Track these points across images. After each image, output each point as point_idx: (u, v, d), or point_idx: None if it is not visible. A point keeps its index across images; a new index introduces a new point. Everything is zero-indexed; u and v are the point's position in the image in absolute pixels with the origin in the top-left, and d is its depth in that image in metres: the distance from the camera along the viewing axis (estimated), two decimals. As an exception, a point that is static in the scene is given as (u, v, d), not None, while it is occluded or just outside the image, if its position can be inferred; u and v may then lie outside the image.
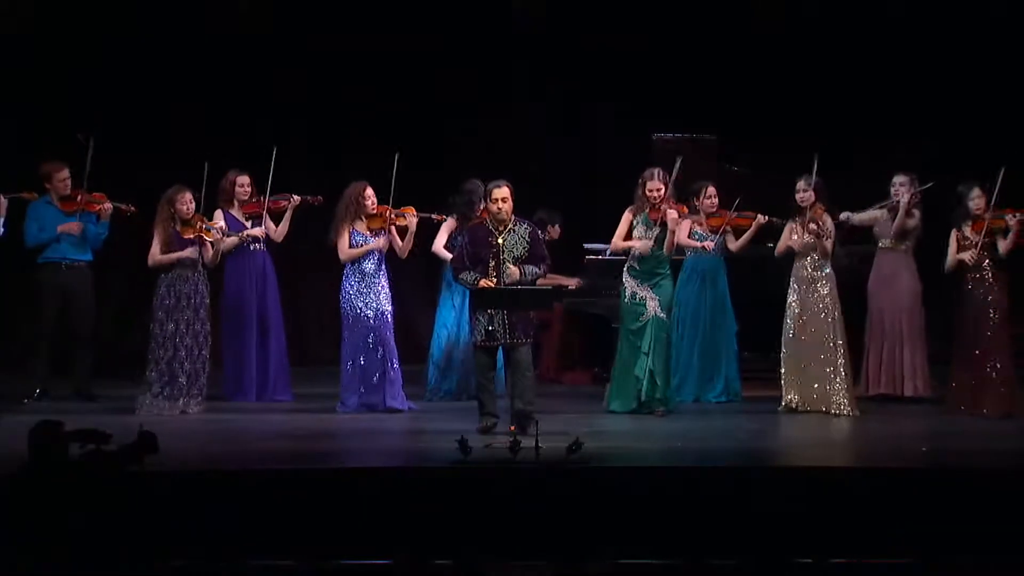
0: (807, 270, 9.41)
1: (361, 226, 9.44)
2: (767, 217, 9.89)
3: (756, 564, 6.67)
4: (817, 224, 9.28)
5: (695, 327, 9.97)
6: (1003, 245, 9.18)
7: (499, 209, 8.49)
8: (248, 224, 9.98)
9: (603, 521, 6.80)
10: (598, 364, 10.61)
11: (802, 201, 9.41)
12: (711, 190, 10.05)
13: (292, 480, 7.11)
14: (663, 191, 9.16)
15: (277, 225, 10.05)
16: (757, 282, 10.29)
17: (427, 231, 10.05)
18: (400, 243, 9.49)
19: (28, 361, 10.04)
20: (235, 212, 9.99)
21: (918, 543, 6.70)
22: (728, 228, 10.01)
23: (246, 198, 10.01)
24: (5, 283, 10.69)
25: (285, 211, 10.02)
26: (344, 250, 9.42)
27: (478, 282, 8.42)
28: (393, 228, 9.43)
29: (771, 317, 9.64)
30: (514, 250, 8.47)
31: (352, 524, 6.79)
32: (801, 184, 9.43)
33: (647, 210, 9.23)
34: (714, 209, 10.05)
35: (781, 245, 9.58)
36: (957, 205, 9.34)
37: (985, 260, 9.20)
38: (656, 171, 9.23)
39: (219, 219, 9.84)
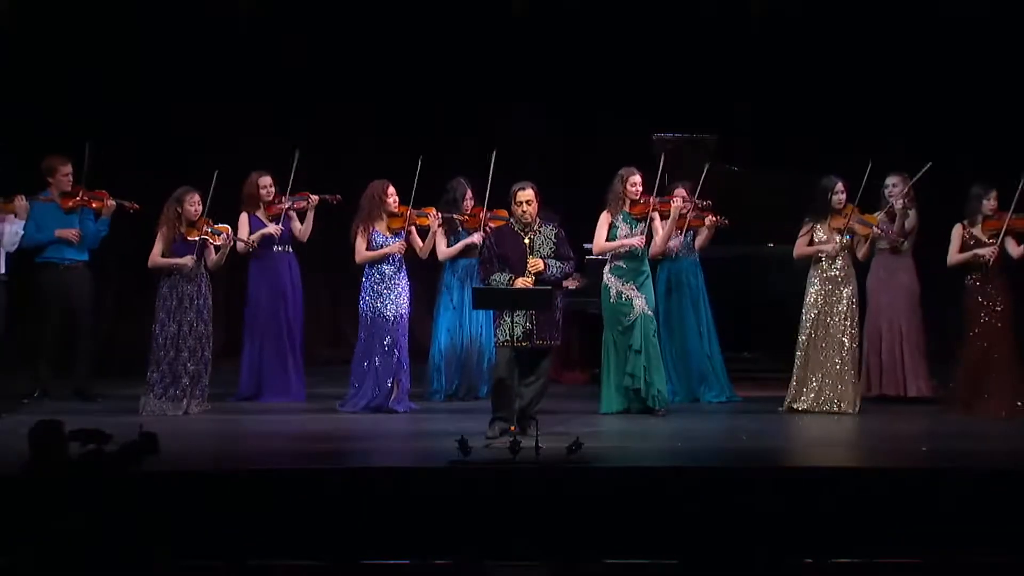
0: (835, 270, 9.39)
1: (381, 226, 9.46)
2: (717, 217, 9.86)
3: (756, 564, 6.67)
4: (869, 229, 9.27)
5: (675, 330, 9.96)
6: (1018, 249, 9.17)
7: (523, 212, 8.41)
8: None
9: (602, 521, 6.80)
10: (597, 364, 10.61)
11: (839, 203, 9.40)
12: (680, 191, 10.03)
13: (293, 480, 7.11)
14: (643, 186, 9.30)
15: (301, 224, 10.04)
16: (753, 282, 10.30)
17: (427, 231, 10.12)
18: (420, 244, 9.55)
19: (28, 361, 10.04)
20: (260, 215, 9.94)
21: (918, 543, 6.70)
22: (710, 227, 10.00)
23: (270, 199, 9.95)
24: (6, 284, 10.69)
25: (305, 211, 10.00)
26: (360, 252, 9.43)
27: (513, 282, 8.35)
28: (413, 229, 9.46)
29: (766, 316, 9.66)
30: (541, 251, 8.39)
31: (352, 524, 6.79)
32: (839, 185, 9.40)
33: (627, 207, 9.31)
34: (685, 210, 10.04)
35: (804, 248, 9.47)
36: (967, 203, 9.32)
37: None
38: (634, 167, 9.38)
39: (244, 225, 9.81)
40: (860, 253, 9.44)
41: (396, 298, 9.44)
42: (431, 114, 12.04)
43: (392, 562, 6.66)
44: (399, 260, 9.48)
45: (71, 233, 9.80)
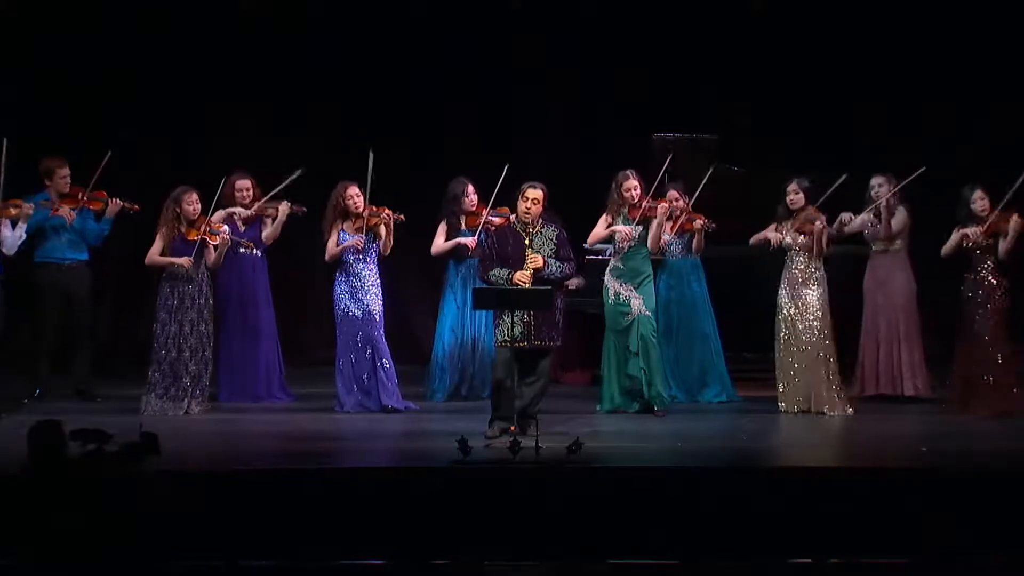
0: (797, 271, 9.40)
1: (348, 226, 9.48)
2: (705, 221, 9.84)
3: (756, 564, 6.68)
4: (812, 224, 9.29)
5: (676, 329, 9.97)
6: (1002, 246, 9.17)
7: (528, 209, 8.38)
8: (242, 228, 9.89)
9: (603, 521, 6.81)
10: (597, 364, 10.61)
11: (792, 204, 9.42)
12: (673, 193, 10.04)
13: (292, 480, 7.11)
14: (640, 190, 9.29)
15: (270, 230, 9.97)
16: (753, 282, 10.30)
17: (428, 231, 10.13)
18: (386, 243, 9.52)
19: (28, 361, 10.04)
20: (236, 215, 9.91)
21: (917, 543, 6.70)
22: (700, 230, 10.01)
23: (246, 203, 9.91)
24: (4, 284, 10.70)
25: (275, 216, 9.89)
26: (328, 250, 9.49)
27: (512, 277, 8.32)
28: (384, 227, 9.44)
29: (766, 316, 9.66)
30: (541, 251, 8.35)
31: (352, 524, 6.79)
32: (792, 187, 9.44)
33: (626, 210, 9.35)
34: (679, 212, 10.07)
35: (759, 236, 9.55)
36: (960, 207, 9.31)
37: (987, 261, 9.19)
38: (631, 171, 9.37)
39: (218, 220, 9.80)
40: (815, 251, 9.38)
41: (364, 296, 9.44)
42: (431, 114, 12.03)
43: (392, 562, 6.66)
44: (366, 258, 9.47)
45: (66, 212, 9.72)
